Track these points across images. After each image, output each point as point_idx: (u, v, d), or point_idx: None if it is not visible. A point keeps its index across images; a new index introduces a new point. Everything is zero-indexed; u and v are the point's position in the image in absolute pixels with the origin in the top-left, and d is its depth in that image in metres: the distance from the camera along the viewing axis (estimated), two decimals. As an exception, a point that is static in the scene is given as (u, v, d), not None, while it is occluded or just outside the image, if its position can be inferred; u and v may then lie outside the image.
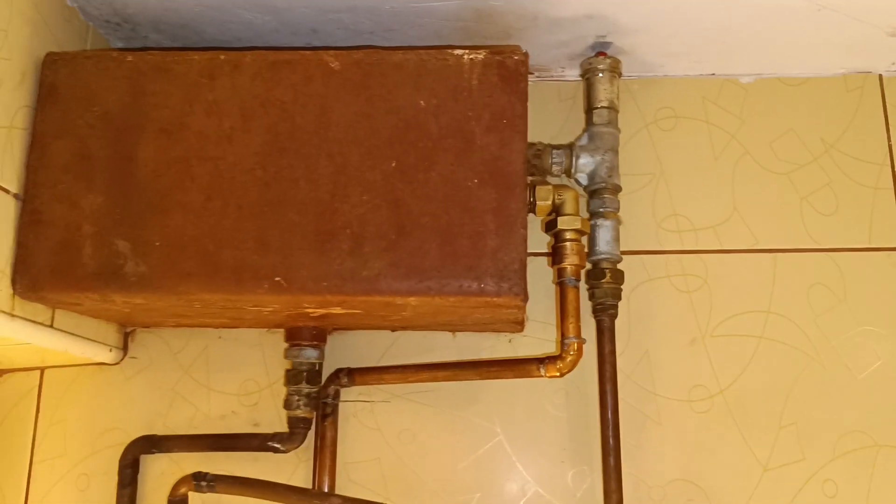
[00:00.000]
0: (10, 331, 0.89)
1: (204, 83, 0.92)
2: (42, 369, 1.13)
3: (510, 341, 1.10)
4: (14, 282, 0.88)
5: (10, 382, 1.13)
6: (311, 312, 0.95)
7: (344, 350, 1.11)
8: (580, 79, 1.13)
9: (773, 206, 1.12)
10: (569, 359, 0.97)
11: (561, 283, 1.00)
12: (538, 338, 1.10)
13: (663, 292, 1.10)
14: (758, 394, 1.07)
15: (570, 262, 0.99)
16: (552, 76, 1.17)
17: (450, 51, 0.91)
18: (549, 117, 1.16)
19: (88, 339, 1.04)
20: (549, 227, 1.01)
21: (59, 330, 0.97)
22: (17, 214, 0.90)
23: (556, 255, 1.00)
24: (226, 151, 0.90)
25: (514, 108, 0.89)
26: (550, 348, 1.09)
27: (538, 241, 1.07)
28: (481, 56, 0.91)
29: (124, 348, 1.12)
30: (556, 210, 1.00)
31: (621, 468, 1.01)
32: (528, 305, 0.97)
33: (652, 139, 1.15)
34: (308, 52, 0.92)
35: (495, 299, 0.86)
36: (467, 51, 0.91)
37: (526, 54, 0.91)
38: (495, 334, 1.10)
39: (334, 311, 0.94)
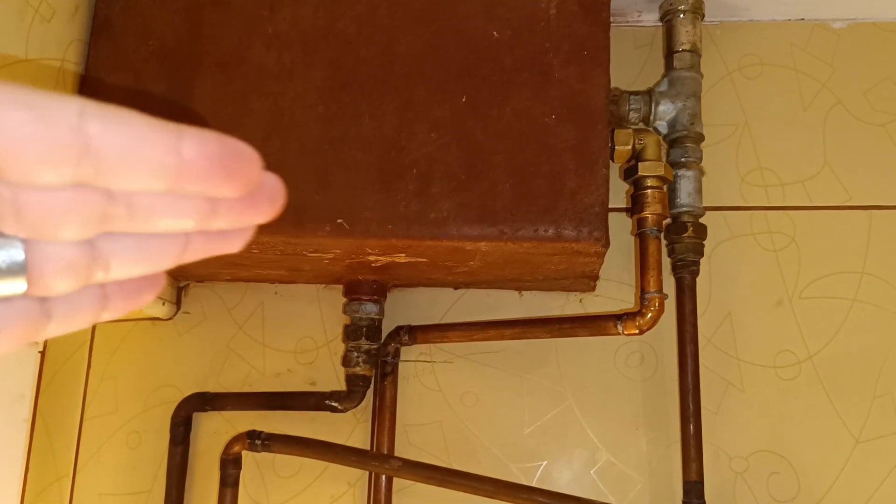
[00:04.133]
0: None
1: (264, 15, 0.87)
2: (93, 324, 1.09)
3: (581, 301, 1.04)
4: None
5: (62, 337, 1.09)
6: (373, 262, 0.90)
7: (405, 308, 1.05)
8: (658, 23, 1.05)
9: (867, 159, 1.04)
10: (649, 315, 0.90)
11: (641, 234, 0.92)
12: (611, 297, 1.03)
13: (748, 250, 1.03)
14: (850, 360, 0.99)
15: (651, 210, 0.91)
16: (628, 21, 1.10)
17: (525, -22, 0.85)
18: (625, 66, 1.09)
19: (141, 290, 1.00)
20: (629, 174, 0.93)
21: (111, 278, 0.93)
22: (69, 152, 0.86)
23: (636, 203, 0.93)
24: (286, 87, 0.85)
25: (595, 40, 0.83)
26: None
27: (612, 194, 1.00)
28: (560, -16, 0.84)
29: (177, 303, 1.08)
30: (637, 156, 0.92)
31: (702, 436, 0.94)
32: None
33: (735, 88, 1.07)
34: (373, -17, 0.87)
35: (573, 245, 0.80)
36: (544, -22, 0.85)
37: (608, -19, 0.85)
38: (565, 294, 1.04)
39: (397, 260, 0.88)
